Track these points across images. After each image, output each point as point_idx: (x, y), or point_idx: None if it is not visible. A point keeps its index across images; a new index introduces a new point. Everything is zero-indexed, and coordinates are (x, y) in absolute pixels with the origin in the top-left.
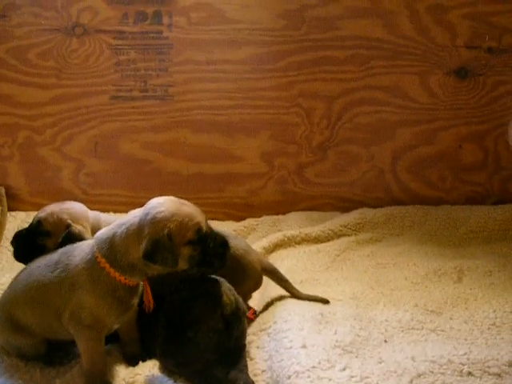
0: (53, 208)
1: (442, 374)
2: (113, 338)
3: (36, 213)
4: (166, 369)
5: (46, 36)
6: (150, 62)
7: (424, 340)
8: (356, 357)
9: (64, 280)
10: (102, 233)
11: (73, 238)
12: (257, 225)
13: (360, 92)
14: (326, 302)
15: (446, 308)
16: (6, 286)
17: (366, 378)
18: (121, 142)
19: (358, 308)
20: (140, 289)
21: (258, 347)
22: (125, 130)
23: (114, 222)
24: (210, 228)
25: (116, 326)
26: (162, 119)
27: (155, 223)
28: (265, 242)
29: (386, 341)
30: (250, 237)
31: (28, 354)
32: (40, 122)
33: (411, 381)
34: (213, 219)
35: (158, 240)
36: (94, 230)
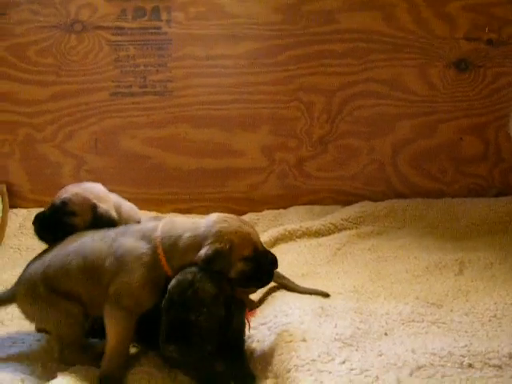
0: (75, 189)
1: (443, 366)
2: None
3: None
4: (168, 358)
5: (45, 33)
6: (149, 57)
7: (424, 332)
8: (356, 350)
9: (119, 257)
10: (168, 230)
11: (101, 217)
12: (258, 219)
13: (360, 85)
14: (326, 295)
15: (446, 300)
16: (8, 283)
17: (366, 370)
18: (121, 138)
19: (359, 301)
20: None
21: (258, 341)
22: (125, 126)
23: (181, 224)
24: (263, 247)
25: None
26: (161, 115)
27: (220, 236)
28: (266, 236)
29: (386, 334)
30: None
31: (68, 327)
32: (40, 119)
33: (411, 373)
34: None
35: (221, 250)
36: (116, 211)
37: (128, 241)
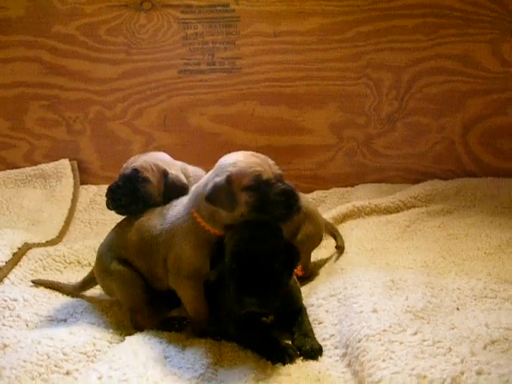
0: (143, 157)
1: None
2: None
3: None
4: (228, 332)
5: (115, 12)
6: (217, 35)
7: (498, 308)
8: (428, 322)
9: (168, 231)
10: (194, 189)
11: (173, 183)
12: (325, 197)
13: (429, 61)
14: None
15: None
16: (79, 252)
17: (439, 342)
18: (189, 116)
19: (430, 276)
20: None
21: (327, 311)
22: (193, 103)
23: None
24: (276, 179)
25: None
26: (229, 92)
27: (219, 169)
28: (334, 212)
29: (458, 308)
30: (319, 209)
31: (130, 293)
32: (111, 97)
33: (485, 347)
34: None
35: (218, 184)
36: (184, 175)
37: (173, 214)
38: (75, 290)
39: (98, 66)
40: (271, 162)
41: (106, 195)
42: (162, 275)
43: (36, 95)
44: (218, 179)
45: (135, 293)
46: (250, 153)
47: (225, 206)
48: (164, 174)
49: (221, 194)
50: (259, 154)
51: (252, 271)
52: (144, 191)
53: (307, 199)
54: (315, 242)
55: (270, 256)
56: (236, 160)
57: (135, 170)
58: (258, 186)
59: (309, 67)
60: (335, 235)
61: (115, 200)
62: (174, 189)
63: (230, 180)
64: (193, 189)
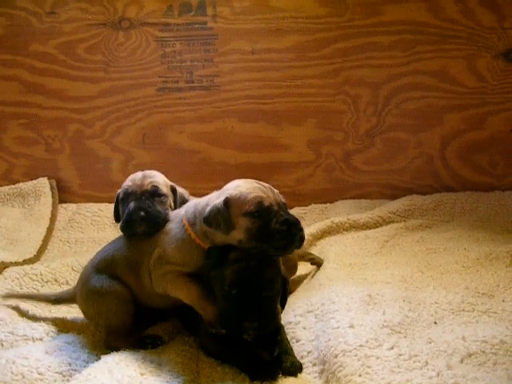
0: (151, 174)
1: (494, 354)
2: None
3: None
4: (206, 347)
5: (93, 31)
6: (195, 53)
7: (475, 321)
8: (404, 337)
9: (157, 240)
10: (194, 205)
11: (180, 197)
12: (305, 213)
13: (406, 77)
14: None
15: (498, 291)
16: (56, 271)
17: (415, 356)
18: (168, 133)
19: (407, 290)
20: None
21: (304, 328)
22: (172, 121)
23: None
24: (279, 207)
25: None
26: (208, 109)
27: (221, 193)
28: (312, 229)
29: (435, 322)
30: None
31: (118, 314)
32: (89, 115)
33: (462, 360)
34: None
35: (216, 206)
36: None
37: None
38: (49, 301)
39: (77, 84)
40: (276, 190)
41: (142, 218)
42: (149, 289)
43: (14, 114)
44: (217, 202)
45: (125, 316)
46: (253, 180)
47: (221, 228)
48: (172, 189)
49: (218, 217)
50: (263, 182)
51: (253, 297)
52: (165, 207)
53: None
54: (291, 272)
55: (268, 284)
56: (238, 185)
57: (155, 187)
58: (260, 213)
59: (287, 84)
60: (311, 258)
61: (151, 219)
62: (180, 204)
63: (228, 203)
64: (191, 203)
